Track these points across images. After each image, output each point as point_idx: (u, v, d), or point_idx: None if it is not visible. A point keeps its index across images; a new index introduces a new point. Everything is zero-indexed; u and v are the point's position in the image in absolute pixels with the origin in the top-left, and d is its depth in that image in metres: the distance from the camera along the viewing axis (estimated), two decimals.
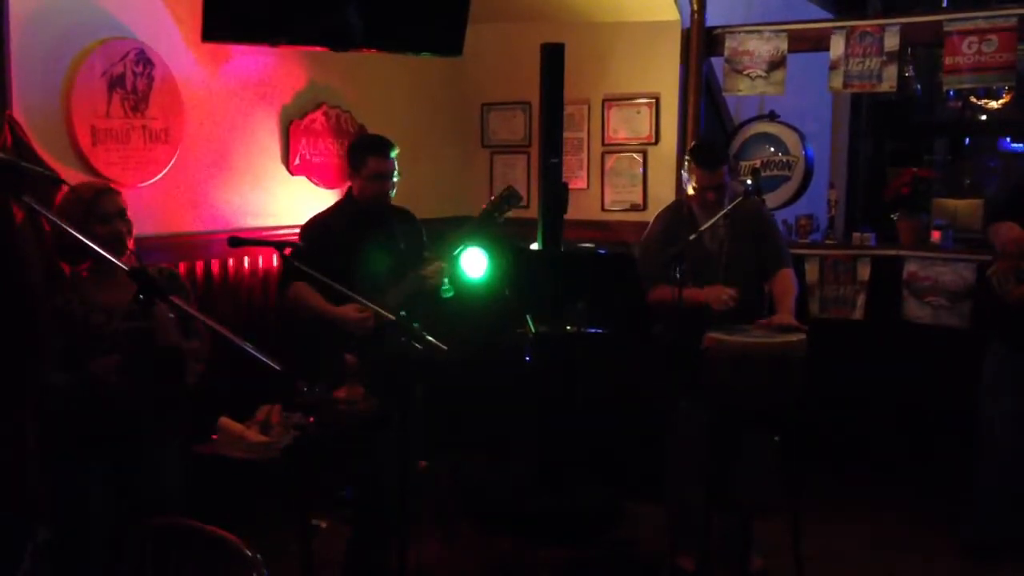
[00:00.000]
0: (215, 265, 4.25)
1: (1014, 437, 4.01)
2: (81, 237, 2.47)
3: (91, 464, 3.00)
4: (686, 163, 3.96)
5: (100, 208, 3.02)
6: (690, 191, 3.95)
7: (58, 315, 2.99)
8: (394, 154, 3.84)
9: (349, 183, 3.94)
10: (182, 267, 3.99)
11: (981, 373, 4.11)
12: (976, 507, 4.17)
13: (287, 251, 3.31)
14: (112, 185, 3.30)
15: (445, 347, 3.08)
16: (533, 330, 4.49)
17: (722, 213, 3.77)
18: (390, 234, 3.86)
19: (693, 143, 4.51)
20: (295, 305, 3.72)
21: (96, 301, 3.04)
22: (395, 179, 3.84)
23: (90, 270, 3.11)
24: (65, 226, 2.52)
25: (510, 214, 4.00)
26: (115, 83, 3.79)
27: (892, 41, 4.85)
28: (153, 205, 4.03)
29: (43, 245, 3.31)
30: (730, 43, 5.25)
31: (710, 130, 5.45)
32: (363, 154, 3.82)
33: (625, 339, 4.64)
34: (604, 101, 5.55)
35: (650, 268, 3.99)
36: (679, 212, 4.05)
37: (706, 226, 3.75)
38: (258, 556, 2.08)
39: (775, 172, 5.28)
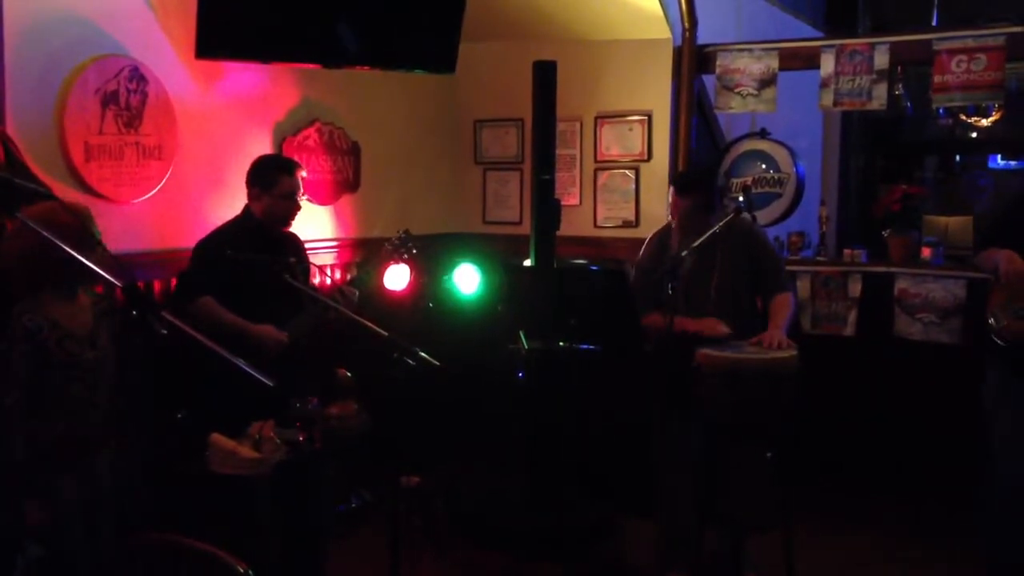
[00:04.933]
0: None
1: (1015, 462, 3.92)
2: (76, 255, 2.47)
3: (63, 478, 2.87)
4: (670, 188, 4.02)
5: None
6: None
7: (30, 338, 2.73)
8: (303, 175, 3.86)
9: (247, 202, 3.82)
10: (175, 284, 3.99)
11: (979, 396, 4.02)
12: (980, 533, 4.07)
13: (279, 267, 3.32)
14: (104, 201, 3.27)
15: (438, 363, 3.10)
16: (526, 346, 4.49)
17: (711, 231, 3.77)
18: (285, 257, 3.76)
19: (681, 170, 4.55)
20: (204, 320, 3.52)
21: (65, 327, 2.81)
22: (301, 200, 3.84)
23: (55, 292, 2.84)
24: (60, 244, 2.52)
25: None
26: (108, 100, 3.80)
27: (882, 59, 4.89)
28: (146, 222, 4.03)
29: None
30: (721, 61, 5.29)
31: (702, 147, 5.48)
32: (276, 173, 3.77)
33: (617, 355, 4.64)
34: (596, 118, 5.58)
35: (641, 291, 4.00)
36: (669, 234, 4.07)
37: (696, 243, 3.76)
38: (249, 572, 2.08)
39: (766, 189, 5.31)
